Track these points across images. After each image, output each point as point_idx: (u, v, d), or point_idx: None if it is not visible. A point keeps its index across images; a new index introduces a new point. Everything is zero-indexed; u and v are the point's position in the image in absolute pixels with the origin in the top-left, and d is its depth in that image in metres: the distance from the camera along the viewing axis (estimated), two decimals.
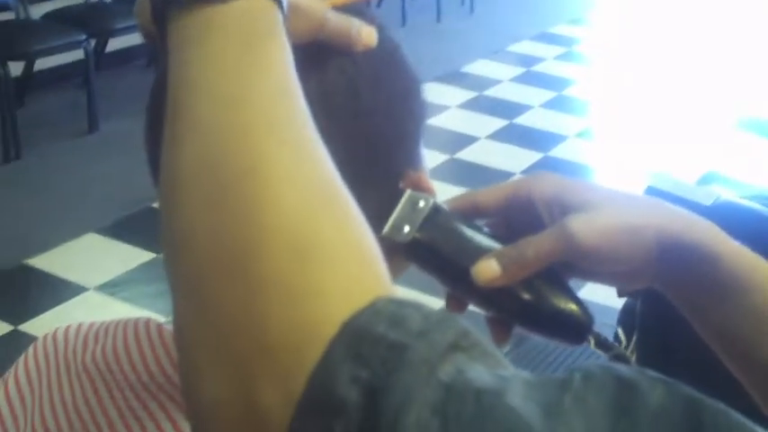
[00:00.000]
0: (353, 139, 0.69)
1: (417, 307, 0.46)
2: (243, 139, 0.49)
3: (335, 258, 0.47)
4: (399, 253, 0.67)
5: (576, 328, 0.68)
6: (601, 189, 0.70)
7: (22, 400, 0.80)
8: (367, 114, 0.70)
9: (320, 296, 0.45)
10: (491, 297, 0.66)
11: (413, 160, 0.75)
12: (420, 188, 0.71)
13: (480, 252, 0.67)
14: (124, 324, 0.78)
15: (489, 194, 0.72)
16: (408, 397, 0.42)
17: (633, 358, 2.41)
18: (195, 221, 0.48)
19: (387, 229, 0.67)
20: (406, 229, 0.68)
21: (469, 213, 0.71)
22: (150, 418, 0.72)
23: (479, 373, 0.43)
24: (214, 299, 0.46)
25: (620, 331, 2.47)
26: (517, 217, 0.71)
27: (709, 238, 0.68)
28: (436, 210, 0.69)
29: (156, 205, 0.51)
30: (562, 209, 0.68)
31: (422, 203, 0.69)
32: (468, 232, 0.69)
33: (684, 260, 0.68)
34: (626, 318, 2.43)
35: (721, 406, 0.42)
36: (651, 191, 2.18)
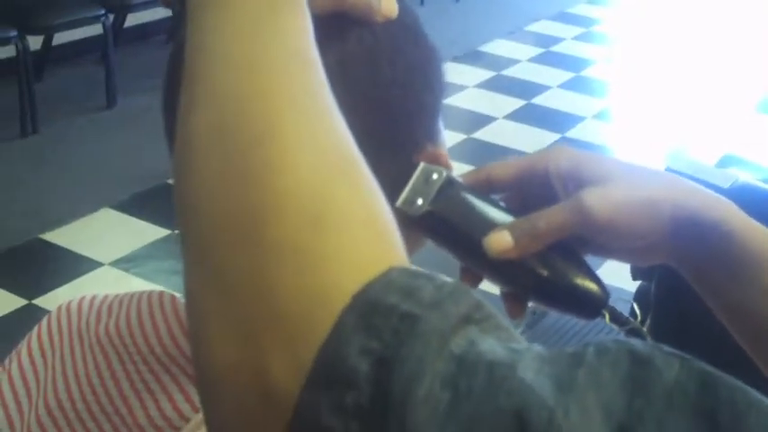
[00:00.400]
0: (371, 109, 0.69)
1: (430, 278, 0.45)
2: (259, 105, 0.48)
3: (350, 227, 0.46)
4: (413, 226, 0.67)
5: (591, 302, 0.68)
6: (618, 162, 0.69)
7: (35, 371, 0.80)
8: (385, 85, 0.70)
9: (333, 264, 0.45)
10: (506, 270, 0.66)
11: (431, 134, 0.75)
12: (438, 164, 0.70)
13: (493, 225, 0.67)
14: (138, 296, 0.78)
15: (504, 168, 0.71)
16: (419, 369, 0.41)
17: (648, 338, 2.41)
18: (209, 186, 0.47)
19: (400, 201, 0.67)
20: (419, 201, 0.67)
21: (484, 187, 0.71)
22: (163, 391, 0.73)
23: (491, 346, 0.43)
24: (225, 264, 0.46)
25: (635, 306, 2.47)
26: (532, 191, 0.71)
27: (726, 216, 0.67)
28: (450, 182, 0.69)
29: (172, 181, 0.51)
30: (578, 182, 0.67)
31: (435, 176, 0.68)
32: (481, 205, 0.69)
33: (700, 236, 0.67)
34: (641, 299, 2.43)
35: (738, 382, 0.42)
36: (669, 172, 2.17)
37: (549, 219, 0.66)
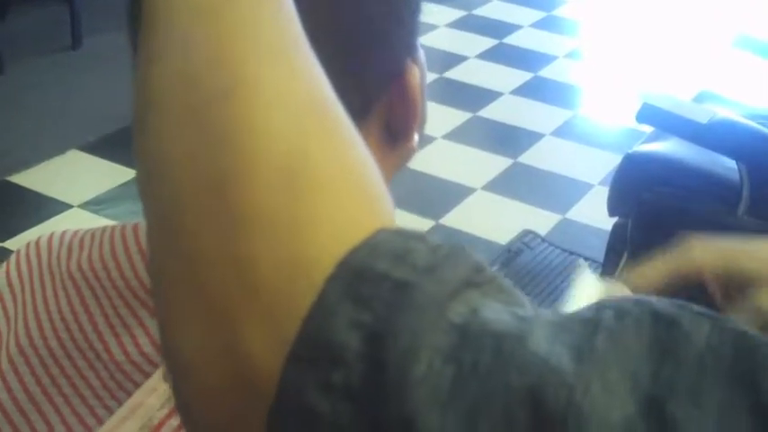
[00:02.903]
0: (354, 24, 0.66)
1: (423, 239, 0.41)
2: (222, 54, 0.43)
3: (330, 186, 0.41)
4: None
5: None
6: (759, 247, 0.66)
7: (5, 309, 0.78)
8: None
9: (313, 228, 0.40)
10: None
11: (411, 50, 0.72)
12: (408, 87, 0.69)
13: None
14: (111, 229, 0.75)
15: (653, 276, 0.67)
16: (416, 343, 0.36)
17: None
18: (170, 145, 0.43)
19: None
20: None
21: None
22: (140, 326, 0.70)
23: (497, 314, 0.38)
24: (192, 232, 0.41)
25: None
26: (676, 293, 0.67)
27: None
28: None
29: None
30: (741, 283, 0.64)
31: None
32: None
33: None
34: (616, 238, 2.42)
35: None
36: (647, 108, 2.15)
37: None
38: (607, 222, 2.51)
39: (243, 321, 0.39)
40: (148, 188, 0.44)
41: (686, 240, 0.67)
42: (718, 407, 0.35)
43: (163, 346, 0.44)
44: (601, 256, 2.51)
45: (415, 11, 0.72)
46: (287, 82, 0.44)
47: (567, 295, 0.67)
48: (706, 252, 0.66)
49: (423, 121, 0.74)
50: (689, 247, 0.67)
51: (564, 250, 3.11)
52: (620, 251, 2.33)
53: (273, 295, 0.39)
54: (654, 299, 0.38)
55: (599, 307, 0.39)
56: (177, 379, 0.42)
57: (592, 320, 0.38)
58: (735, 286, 0.64)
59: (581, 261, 0.67)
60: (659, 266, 0.67)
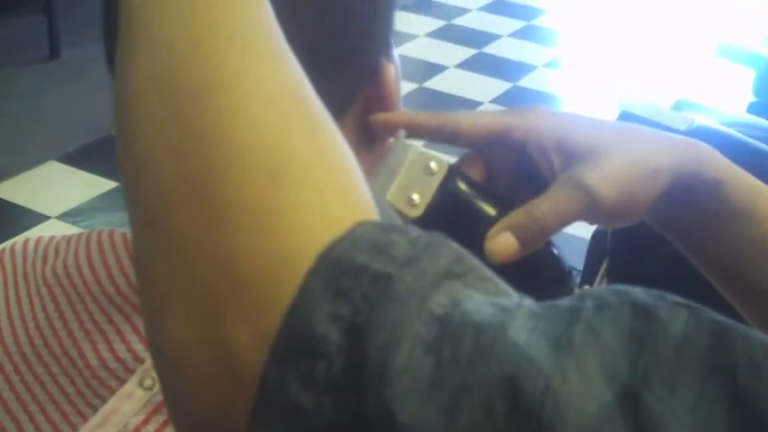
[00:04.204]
0: (330, 13, 0.65)
1: (403, 231, 0.41)
2: (199, 49, 0.43)
3: (310, 179, 0.42)
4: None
5: (553, 281, 0.65)
6: (603, 126, 0.65)
7: None
8: None
9: (293, 222, 0.40)
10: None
11: (386, 46, 0.71)
12: (387, 79, 0.67)
13: (493, 223, 0.62)
14: (87, 235, 0.74)
15: (474, 126, 0.66)
16: (396, 334, 0.36)
17: (603, 284, 2.41)
18: (151, 142, 0.43)
19: (391, 194, 0.61)
20: (416, 197, 0.62)
21: (447, 139, 0.66)
22: (116, 332, 0.69)
23: (477, 304, 0.38)
24: (175, 227, 0.41)
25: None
26: (501, 153, 0.66)
27: (711, 166, 0.64)
28: (451, 175, 0.63)
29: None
30: (565, 157, 0.63)
31: (433, 166, 0.62)
32: (480, 199, 0.64)
33: (693, 198, 0.64)
34: (595, 246, 2.42)
35: (752, 331, 0.37)
36: (625, 116, 2.15)
37: (556, 213, 0.61)
38: (587, 231, 2.51)
39: (227, 315, 0.39)
40: (131, 184, 0.44)
41: (530, 107, 0.66)
42: (694, 396, 0.35)
43: (149, 342, 0.44)
44: (581, 264, 2.51)
45: (391, 4, 0.71)
46: (266, 76, 0.44)
47: (381, 164, 0.64)
48: (543, 119, 0.65)
49: None
50: (529, 111, 0.66)
51: None
52: (600, 258, 2.33)
53: (256, 289, 0.39)
54: (634, 289, 0.38)
55: (580, 297, 0.39)
56: (164, 374, 0.43)
57: (572, 310, 0.38)
58: (563, 158, 0.63)
59: (399, 132, 0.65)
60: (493, 118, 0.66)
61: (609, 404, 0.34)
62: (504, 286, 0.41)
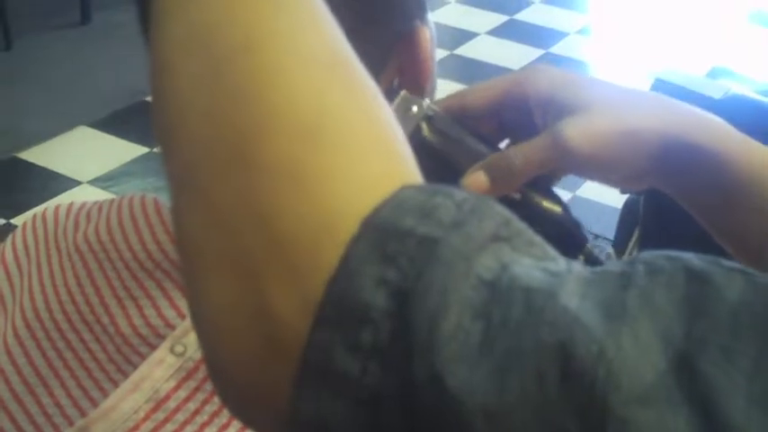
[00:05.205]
0: None
1: (449, 194, 0.40)
2: (233, 8, 0.43)
3: (353, 140, 0.41)
4: None
5: (569, 242, 0.67)
6: (598, 86, 0.66)
7: (11, 282, 0.77)
8: None
9: (335, 185, 0.39)
10: None
11: (421, 8, 0.71)
12: (420, 44, 0.68)
13: (471, 160, 0.64)
14: (119, 201, 0.74)
15: (480, 93, 0.67)
16: (444, 299, 0.36)
17: (635, 253, 2.39)
18: (187, 104, 0.42)
19: None
20: None
21: (459, 114, 0.67)
22: (147, 297, 0.69)
23: (527, 269, 0.37)
24: (213, 191, 0.41)
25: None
26: (510, 117, 0.67)
27: (714, 137, 0.64)
28: (429, 116, 0.66)
29: (150, 98, 0.46)
30: (557, 110, 0.64)
31: (414, 109, 0.65)
32: (460, 140, 0.66)
33: (689, 162, 0.64)
34: (627, 214, 2.41)
35: None
36: (659, 83, 2.13)
37: (527, 156, 0.63)
38: (618, 200, 2.49)
39: (268, 280, 0.39)
40: (168, 147, 0.44)
41: (531, 68, 0.68)
42: (752, 363, 0.34)
43: (191, 309, 0.43)
44: (612, 233, 2.50)
45: None
46: (304, 36, 0.43)
47: None
48: (540, 77, 0.66)
49: (433, 87, 0.73)
50: (528, 71, 0.67)
51: None
52: (632, 228, 2.32)
53: (299, 253, 0.38)
54: (687, 254, 0.38)
55: (631, 261, 0.38)
56: (206, 342, 0.42)
57: (624, 276, 0.37)
58: (554, 114, 0.64)
59: (403, 92, 0.67)
60: (494, 83, 0.68)
61: (664, 372, 0.34)
62: (552, 251, 0.40)
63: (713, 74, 2.67)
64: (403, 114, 0.65)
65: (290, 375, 0.38)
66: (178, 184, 0.43)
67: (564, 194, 3.43)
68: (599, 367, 0.34)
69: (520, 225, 0.40)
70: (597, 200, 3.32)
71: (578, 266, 0.39)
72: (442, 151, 0.66)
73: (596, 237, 2.81)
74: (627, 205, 2.41)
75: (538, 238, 0.40)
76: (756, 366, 0.34)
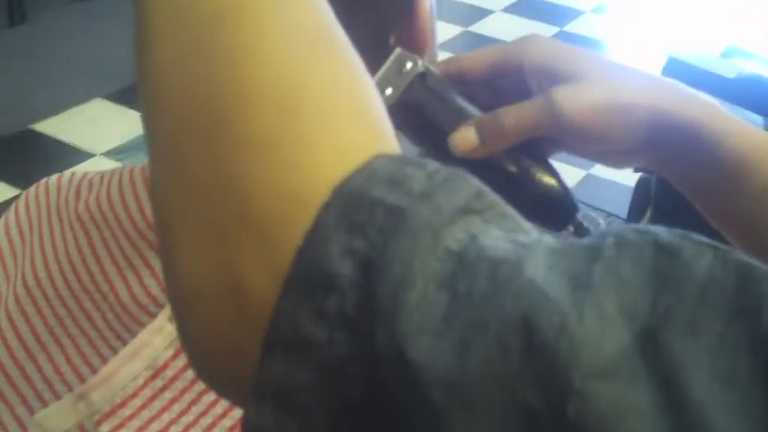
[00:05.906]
0: None
1: (421, 165, 0.39)
2: None
3: (327, 112, 0.41)
4: None
5: (559, 212, 0.67)
6: (596, 59, 0.66)
7: (13, 249, 0.77)
8: None
9: (309, 155, 0.39)
10: (475, 166, 0.64)
11: None
12: (418, 16, 0.68)
13: (462, 119, 0.65)
14: (120, 171, 0.75)
15: (477, 60, 0.68)
16: (410, 269, 0.35)
17: None
18: (168, 72, 0.42)
19: None
20: (389, 91, 0.65)
21: (456, 78, 0.68)
22: (147, 267, 0.70)
23: (495, 240, 0.37)
24: (190, 158, 0.41)
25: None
26: (506, 85, 0.68)
27: (707, 118, 0.64)
28: (422, 74, 0.66)
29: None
30: (552, 78, 0.64)
31: (409, 65, 0.66)
32: (452, 100, 0.67)
33: (680, 141, 0.64)
34: (640, 193, 2.40)
35: None
36: (673, 62, 2.12)
37: (518, 116, 0.63)
38: (631, 178, 2.49)
39: (240, 249, 0.39)
40: (148, 115, 0.44)
41: (527, 36, 0.69)
42: (716, 339, 0.33)
43: (165, 275, 0.43)
44: (624, 212, 2.50)
45: None
46: (289, 7, 0.43)
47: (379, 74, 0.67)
48: (536, 46, 0.67)
49: (434, 55, 0.73)
50: (524, 39, 0.68)
51: (587, 206, 3.09)
52: (644, 207, 2.31)
53: (270, 223, 0.38)
54: (657, 228, 0.37)
55: (601, 235, 0.37)
56: (178, 309, 0.42)
57: (592, 248, 0.36)
58: (548, 83, 0.64)
59: (398, 50, 0.67)
60: (491, 50, 0.68)
61: (627, 346, 0.33)
62: (525, 224, 0.40)
63: (727, 53, 2.66)
64: (397, 71, 0.66)
65: (259, 342, 0.38)
66: (156, 150, 0.43)
67: (577, 173, 3.44)
68: (561, 340, 0.33)
69: (492, 197, 0.40)
70: (610, 178, 3.32)
71: (548, 238, 0.38)
72: (432, 109, 0.67)
73: (609, 215, 2.80)
74: (639, 184, 2.41)
75: (510, 211, 0.40)
76: (721, 342, 0.33)
